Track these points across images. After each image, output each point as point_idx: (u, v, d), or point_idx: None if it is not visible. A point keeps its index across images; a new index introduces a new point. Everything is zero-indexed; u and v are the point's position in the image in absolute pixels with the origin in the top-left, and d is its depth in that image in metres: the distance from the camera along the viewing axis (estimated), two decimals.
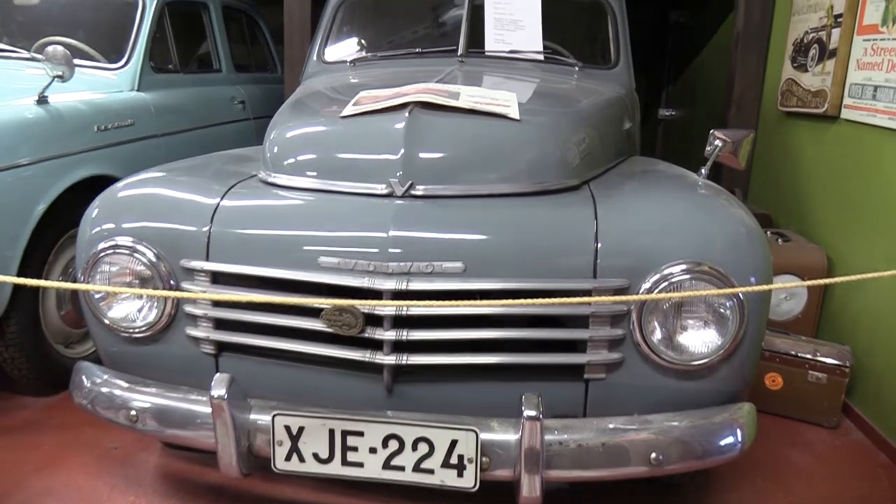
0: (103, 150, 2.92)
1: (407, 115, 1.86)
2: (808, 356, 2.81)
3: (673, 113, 4.31)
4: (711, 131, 2.14)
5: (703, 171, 2.07)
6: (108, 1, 3.52)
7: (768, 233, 3.36)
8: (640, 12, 4.57)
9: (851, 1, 3.07)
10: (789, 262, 3.13)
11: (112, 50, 3.37)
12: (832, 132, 3.25)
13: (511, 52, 2.89)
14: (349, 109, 1.99)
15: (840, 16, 3.14)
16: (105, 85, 3.20)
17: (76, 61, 2.85)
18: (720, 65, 4.40)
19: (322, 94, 2.49)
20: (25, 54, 3.22)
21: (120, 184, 2.03)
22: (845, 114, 3.11)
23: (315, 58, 3.16)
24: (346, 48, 3.21)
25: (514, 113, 1.96)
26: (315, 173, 1.91)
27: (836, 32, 3.17)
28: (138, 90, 3.31)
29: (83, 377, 1.96)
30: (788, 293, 3.15)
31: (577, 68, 2.87)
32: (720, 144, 2.11)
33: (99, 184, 2.63)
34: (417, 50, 2.96)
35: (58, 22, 3.45)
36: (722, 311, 1.71)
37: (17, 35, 3.44)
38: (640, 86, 3.12)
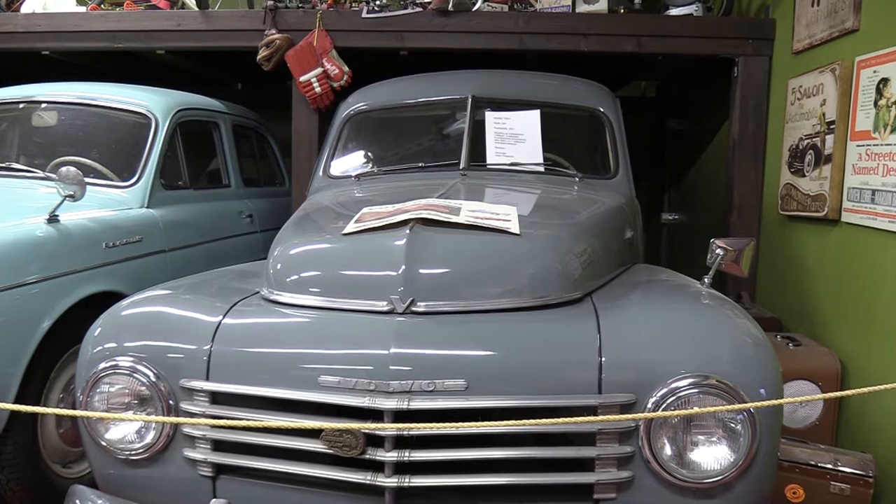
0: (111, 266, 2.95)
1: (408, 232, 1.88)
2: (829, 466, 2.70)
3: (676, 217, 4.35)
4: (712, 240, 2.15)
5: (706, 280, 2.07)
6: (121, 121, 3.61)
7: (778, 337, 3.32)
8: (639, 120, 4.71)
9: (843, 108, 3.14)
10: (802, 367, 3.07)
11: (124, 168, 3.45)
12: (835, 235, 3.26)
13: (512, 164, 2.95)
14: (351, 227, 2.02)
15: (833, 123, 3.21)
16: (116, 202, 3.26)
17: (89, 179, 2.92)
18: (720, 169, 4.47)
19: (326, 211, 2.53)
20: (40, 174, 3.31)
21: (124, 302, 2.04)
22: (846, 217, 3.13)
23: (321, 172, 3.23)
24: (351, 162, 3.29)
25: (515, 227, 1.97)
26: (317, 291, 1.92)
27: (830, 139, 3.23)
28: (148, 207, 3.37)
29: (77, 501, 1.90)
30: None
31: (577, 179, 2.92)
32: (721, 253, 2.11)
33: (105, 300, 2.65)
34: (420, 164, 3.03)
35: (73, 142, 3.54)
36: (733, 425, 1.67)
37: (35, 155, 3.52)
38: (641, 191, 3.16)
